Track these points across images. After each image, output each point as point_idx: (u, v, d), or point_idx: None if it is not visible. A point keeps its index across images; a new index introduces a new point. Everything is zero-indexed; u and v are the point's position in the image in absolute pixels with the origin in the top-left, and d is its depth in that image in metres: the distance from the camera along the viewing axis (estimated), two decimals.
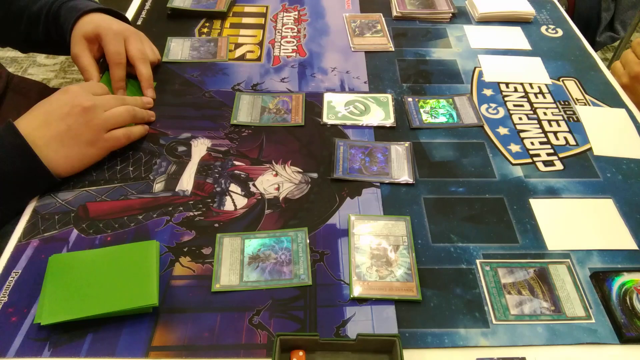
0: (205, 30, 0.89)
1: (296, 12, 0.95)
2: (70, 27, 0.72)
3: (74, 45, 0.72)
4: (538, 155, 0.68)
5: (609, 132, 0.71)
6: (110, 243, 0.56)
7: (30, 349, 0.47)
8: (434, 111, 0.74)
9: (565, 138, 0.70)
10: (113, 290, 0.50)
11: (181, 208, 0.60)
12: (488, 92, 0.78)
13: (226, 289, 0.52)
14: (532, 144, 0.69)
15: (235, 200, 0.61)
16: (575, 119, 0.73)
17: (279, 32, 0.90)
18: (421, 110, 0.74)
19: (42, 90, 0.90)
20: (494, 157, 0.67)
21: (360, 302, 0.51)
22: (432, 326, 0.49)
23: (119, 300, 0.49)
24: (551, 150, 0.68)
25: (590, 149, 0.68)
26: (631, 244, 0.57)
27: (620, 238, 0.58)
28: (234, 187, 0.62)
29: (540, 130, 0.71)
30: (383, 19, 0.93)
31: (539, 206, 0.61)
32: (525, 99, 0.76)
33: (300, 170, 0.65)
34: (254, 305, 0.51)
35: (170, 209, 0.59)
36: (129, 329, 0.48)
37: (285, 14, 0.94)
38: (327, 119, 0.72)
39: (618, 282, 0.53)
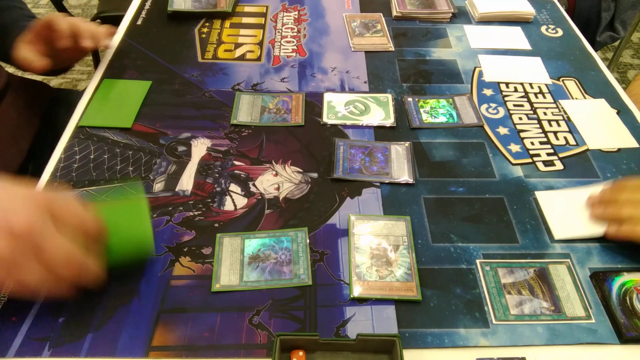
0: (205, 30, 0.89)
1: (296, 12, 0.95)
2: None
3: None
4: (538, 155, 0.67)
5: (596, 124, 0.72)
6: None
7: (30, 348, 0.47)
8: (434, 111, 0.74)
9: (565, 138, 0.70)
10: (110, 244, 0.49)
11: (181, 208, 0.60)
12: (488, 92, 0.78)
13: (226, 289, 0.52)
14: (532, 143, 0.69)
15: (235, 200, 0.61)
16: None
17: (279, 32, 0.90)
18: (421, 110, 0.74)
19: (42, 90, 0.90)
20: (494, 157, 0.67)
21: (360, 302, 0.51)
22: (432, 326, 0.49)
23: (117, 252, 0.49)
24: (551, 150, 0.68)
25: (590, 149, 0.68)
26: (631, 244, 0.57)
27: None
28: (234, 187, 0.62)
29: (540, 130, 0.71)
30: (383, 18, 0.93)
31: (544, 198, 0.61)
32: (525, 99, 0.76)
33: (300, 170, 0.65)
34: (254, 305, 0.51)
35: (170, 208, 0.59)
36: (129, 329, 0.48)
37: (285, 14, 0.94)
38: (327, 118, 0.72)
39: (618, 282, 0.53)
